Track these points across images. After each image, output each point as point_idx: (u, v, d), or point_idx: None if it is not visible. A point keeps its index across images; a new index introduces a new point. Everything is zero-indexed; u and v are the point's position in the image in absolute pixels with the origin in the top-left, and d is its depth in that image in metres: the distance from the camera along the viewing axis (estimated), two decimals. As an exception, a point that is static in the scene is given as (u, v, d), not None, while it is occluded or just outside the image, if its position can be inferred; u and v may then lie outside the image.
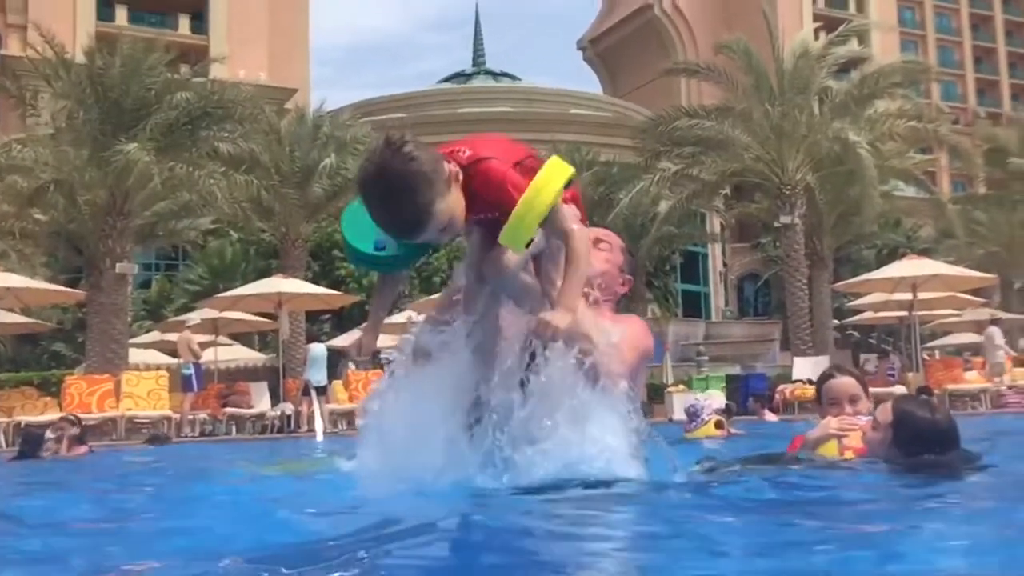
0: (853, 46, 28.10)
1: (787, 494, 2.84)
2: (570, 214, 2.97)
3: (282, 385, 17.68)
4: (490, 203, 2.86)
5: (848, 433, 3.48)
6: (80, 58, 19.42)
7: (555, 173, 2.87)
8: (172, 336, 19.96)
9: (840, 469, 3.32)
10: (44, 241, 21.24)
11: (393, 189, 2.69)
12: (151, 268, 35.87)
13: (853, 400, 3.70)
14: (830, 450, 3.48)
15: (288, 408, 16.54)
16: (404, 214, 2.72)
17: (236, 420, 16.81)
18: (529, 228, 2.81)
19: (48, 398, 15.94)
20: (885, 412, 3.45)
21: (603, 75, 74.23)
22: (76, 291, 19.20)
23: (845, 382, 3.72)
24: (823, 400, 3.74)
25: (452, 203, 2.77)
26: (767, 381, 19.51)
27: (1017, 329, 25.56)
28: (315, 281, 22.80)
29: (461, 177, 2.82)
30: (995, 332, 17.90)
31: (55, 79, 18.43)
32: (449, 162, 2.80)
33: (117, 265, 18.43)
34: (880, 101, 23.66)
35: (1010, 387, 16.57)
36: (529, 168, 2.94)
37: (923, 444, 3.27)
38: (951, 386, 17.12)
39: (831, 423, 3.55)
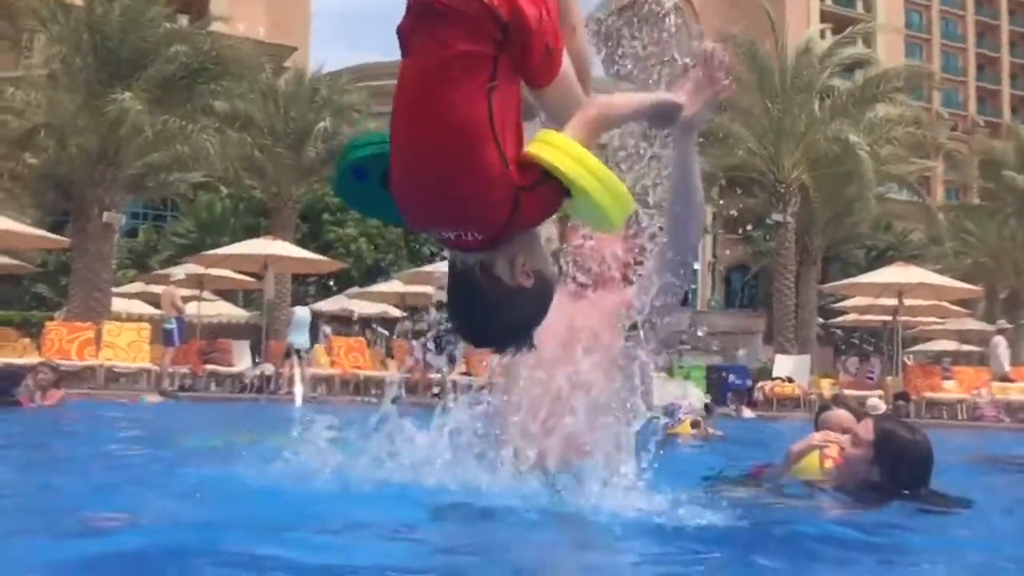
0: (858, 47, 28.02)
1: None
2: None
3: (264, 345, 17.64)
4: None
5: (830, 445, 3.58)
6: (79, 2, 19.14)
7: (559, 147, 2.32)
8: (156, 288, 19.88)
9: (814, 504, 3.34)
10: (33, 184, 21.04)
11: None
12: (139, 217, 35.65)
13: (844, 432, 3.81)
14: (812, 461, 3.57)
15: (269, 369, 16.51)
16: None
17: (216, 377, 16.77)
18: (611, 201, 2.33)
19: (27, 340, 15.87)
20: (867, 429, 3.51)
21: (605, 56, 73.82)
22: (62, 238, 19.06)
23: (840, 415, 3.90)
24: (817, 427, 3.90)
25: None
26: (748, 374, 19.61)
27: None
28: (303, 243, 22.73)
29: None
30: (1000, 341, 18.19)
31: (52, 22, 18.17)
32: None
33: (105, 214, 18.29)
34: (881, 105, 23.65)
35: (989, 401, 16.68)
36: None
37: (904, 464, 3.34)
38: (929, 394, 17.25)
39: (815, 436, 3.67)
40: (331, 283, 25.33)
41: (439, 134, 2.22)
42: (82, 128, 18.03)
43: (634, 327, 3.07)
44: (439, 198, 2.29)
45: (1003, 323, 20.65)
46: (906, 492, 3.32)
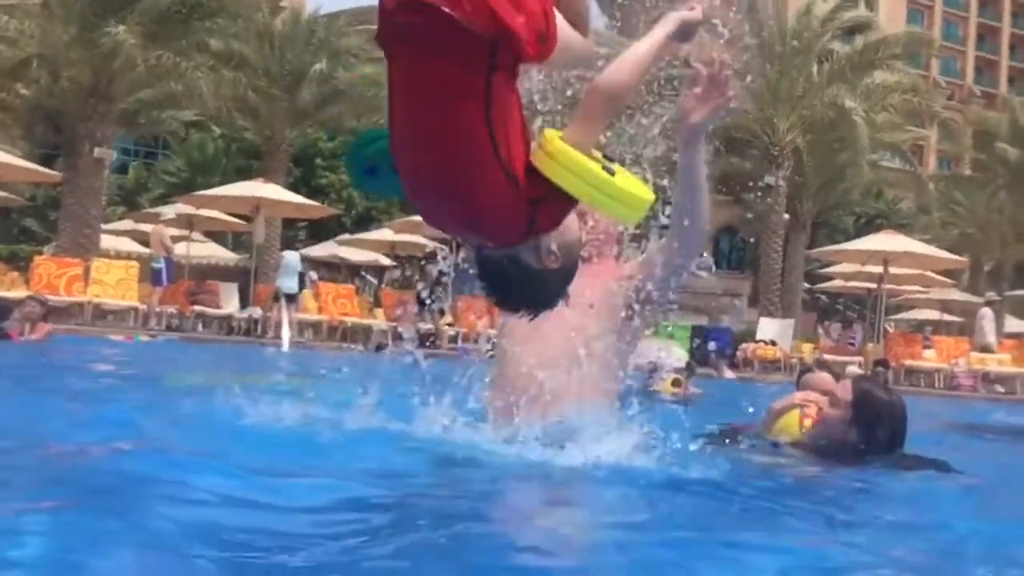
0: (860, 9, 27.86)
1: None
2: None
3: (252, 288, 17.67)
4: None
5: (810, 405, 3.69)
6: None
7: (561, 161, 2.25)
8: (146, 226, 19.83)
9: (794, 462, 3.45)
10: (24, 115, 20.83)
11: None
12: (129, 154, 35.35)
13: (825, 394, 3.92)
14: (792, 420, 3.68)
15: (256, 312, 16.57)
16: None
17: (203, 318, 16.82)
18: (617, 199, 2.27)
19: (15, 273, 15.86)
20: (845, 389, 3.64)
21: (606, 11, 73.03)
22: (52, 172, 18.94)
23: (822, 377, 4.01)
24: (799, 388, 4.02)
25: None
26: (731, 336, 19.80)
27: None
28: (295, 188, 22.64)
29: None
30: (987, 313, 18.46)
31: (46, -49, 17.89)
32: None
33: (96, 150, 18.16)
34: (879, 72, 23.58)
35: (966, 371, 16.95)
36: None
37: (880, 424, 3.48)
38: (908, 362, 17.49)
39: (796, 396, 3.80)
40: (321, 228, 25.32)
41: (442, 164, 2.16)
42: (75, 60, 17.83)
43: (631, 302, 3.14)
44: (450, 217, 2.29)
45: (992, 295, 20.89)
46: (882, 452, 3.45)
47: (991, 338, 18.25)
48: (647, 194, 2.30)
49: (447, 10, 1.99)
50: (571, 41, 2.33)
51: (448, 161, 2.14)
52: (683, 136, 2.91)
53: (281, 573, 1.66)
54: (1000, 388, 17.05)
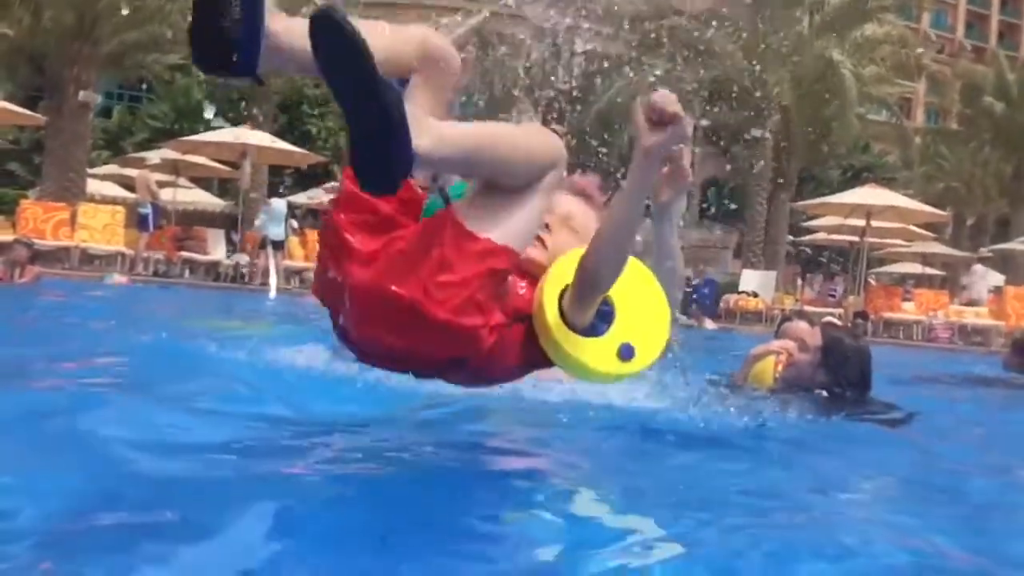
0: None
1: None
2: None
3: (240, 234, 17.69)
4: None
5: (783, 352, 3.88)
6: None
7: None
8: (131, 171, 19.74)
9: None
10: (5, 57, 20.56)
11: None
12: (113, 97, 34.94)
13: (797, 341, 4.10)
14: (768, 366, 3.87)
15: (243, 259, 16.62)
16: None
17: (190, 264, 16.86)
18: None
19: (1, 217, 15.82)
20: (814, 336, 3.85)
21: None
22: (36, 115, 18.77)
23: (800, 326, 4.12)
24: (778, 337, 4.17)
25: None
26: (715, 288, 19.97)
27: (963, 265, 26.29)
28: (281, 135, 22.51)
29: None
30: (979, 269, 18.80)
31: None
32: None
33: (80, 93, 18.00)
34: (869, 24, 23.52)
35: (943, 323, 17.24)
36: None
37: (848, 367, 3.69)
38: (887, 314, 17.75)
39: (773, 344, 3.99)
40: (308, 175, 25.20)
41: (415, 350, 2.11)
42: (57, 0, 17.59)
43: None
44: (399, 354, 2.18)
45: (984, 251, 21.14)
46: (849, 394, 3.64)
47: (983, 294, 18.56)
48: (641, 362, 2.24)
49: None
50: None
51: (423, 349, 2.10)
52: (655, 211, 2.97)
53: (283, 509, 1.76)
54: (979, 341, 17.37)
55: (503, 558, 1.60)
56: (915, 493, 2.47)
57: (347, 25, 1.74)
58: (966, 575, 1.67)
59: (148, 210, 15.79)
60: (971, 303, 18.38)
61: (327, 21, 1.74)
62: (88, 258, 15.47)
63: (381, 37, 1.94)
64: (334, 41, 1.75)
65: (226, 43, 1.88)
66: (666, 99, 2.05)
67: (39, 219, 15.14)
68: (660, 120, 2.05)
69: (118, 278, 13.06)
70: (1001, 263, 24.51)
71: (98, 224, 15.59)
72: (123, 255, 15.66)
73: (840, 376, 3.69)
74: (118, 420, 2.29)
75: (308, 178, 25.95)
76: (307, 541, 1.55)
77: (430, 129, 1.88)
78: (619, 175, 3.31)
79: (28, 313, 6.74)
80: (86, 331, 5.32)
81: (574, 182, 3.13)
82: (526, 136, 2.12)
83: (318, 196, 23.84)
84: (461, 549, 1.60)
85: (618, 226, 2.14)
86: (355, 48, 1.74)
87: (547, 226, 2.42)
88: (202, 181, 24.47)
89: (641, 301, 2.32)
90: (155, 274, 15.60)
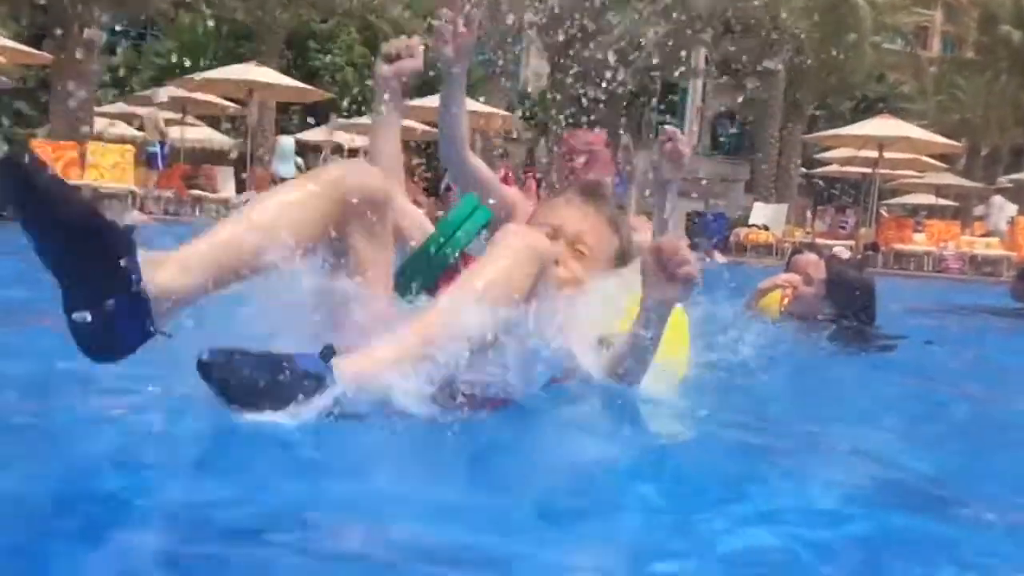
0: None
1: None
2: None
3: (249, 173, 17.68)
4: None
5: (790, 284, 3.94)
6: None
7: None
8: (138, 109, 19.67)
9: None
10: (9, -5, 20.41)
11: None
12: (117, 35, 34.62)
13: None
14: (774, 299, 3.94)
15: (254, 197, 16.62)
16: None
17: (200, 202, 16.90)
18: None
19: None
20: (819, 270, 3.89)
21: None
22: (43, 54, 18.66)
23: (810, 259, 4.16)
24: (788, 268, 4.22)
25: None
26: (727, 221, 19.93)
27: (976, 196, 26.10)
28: (288, 71, 22.33)
29: None
30: (998, 200, 18.66)
31: None
32: None
33: (85, 31, 17.86)
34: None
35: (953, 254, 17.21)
36: None
37: (852, 298, 3.74)
38: (898, 246, 17.71)
39: (781, 277, 4.06)
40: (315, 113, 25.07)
41: None
42: (59, -62, 17.39)
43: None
44: None
45: (1003, 181, 20.94)
46: (854, 325, 3.69)
47: (1002, 225, 18.46)
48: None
49: None
50: None
51: None
52: (655, 188, 2.99)
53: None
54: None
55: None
56: (907, 422, 2.52)
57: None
58: (953, 502, 1.73)
59: (157, 149, 15.80)
60: (989, 234, 18.30)
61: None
62: (99, 197, 15.50)
63: (289, 209, 1.79)
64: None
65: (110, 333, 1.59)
66: (680, 255, 1.92)
67: (49, 158, 15.06)
68: (671, 273, 1.93)
69: (137, 215, 13.11)
70: (1016, 194, 24.32)
71: (107, 163, 15.59)
72: (134, 194, 15.70)
73: (844, 308, 3.74)
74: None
75: (316, 115, 25.79)
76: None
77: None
78: (620, 126, 3.30)
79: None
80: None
81: (579, 140, 3.16)
82: (507, 282, 1.85)
83: (326, 133, 23.77)
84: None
85: (633, 373, 2.07)
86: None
87: (557, 263, 2.18)
88: (210, 119, 24.38)
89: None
90: (165, 213, 15.65)
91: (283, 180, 15.76)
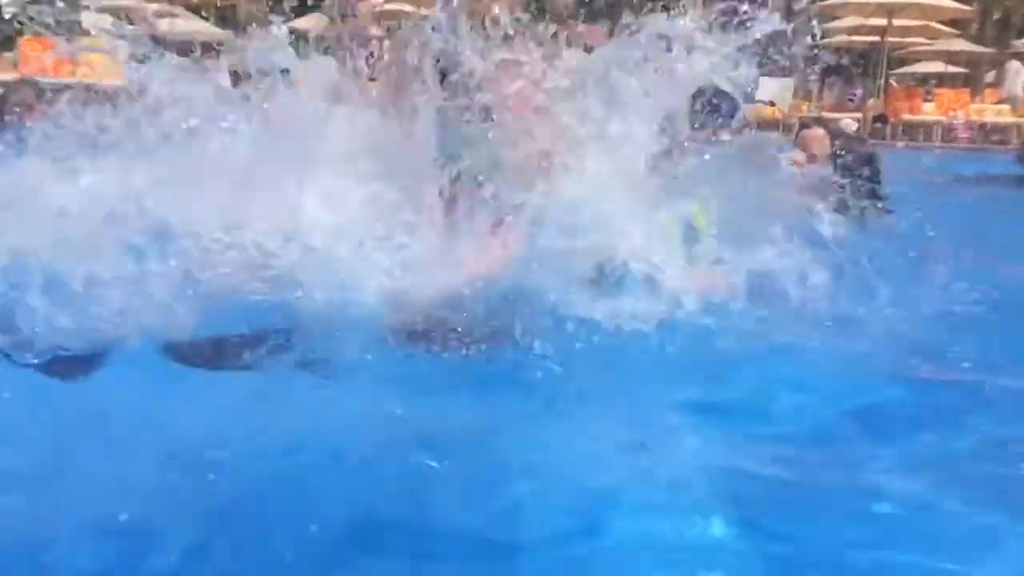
0: None
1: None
2: None
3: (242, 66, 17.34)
4: None
5: (796, 163, 3.99)
6: None
7: None
8: (125, 1, 19.17)
9: None
10: None
11: None
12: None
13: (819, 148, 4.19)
14: None
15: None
16: None
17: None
18: None
19: (6, 54, 15.71)
20: (823, 145, 3.93)
21: None
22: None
23: (816, 133, 4.21)
24: (796, 143, 4.27)
25: None
26: (732, 99, 19.56)
27: (987, 62, 25.50)
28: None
29: None
30: (1014, 65, 18.26)
31: None
32: None
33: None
34: None
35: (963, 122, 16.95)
36: None
37: (856, 161, 3.84)
38: (907, 116, 17.43)
39: (784, 158, 4.09)
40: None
41: None
42: None
43: None
44: None
45: (1018, 44, 20.40)
46: (860, 186, 3.78)
47: (1017, 91, 18.10)
48: None
49: None
50: None
51: None
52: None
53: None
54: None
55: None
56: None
57: None
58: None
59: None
60: (1001, 102, 17.96)
61: None
62: (92, 96, 15.28)
63: None
64: None
65: None
66: None
67: (40, 56, 14.91)
68: None
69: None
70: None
71: (98, 59, 15.28)
72: (127, 91, 15.43)
73: (850, 171, 3.83)
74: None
75: (308, 3, 25.10)
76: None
77: None
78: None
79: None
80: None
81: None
82: None
83: (319, 20, 23.20)
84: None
85: None
86: None
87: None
88: (199, 9, 23.78)
89: None
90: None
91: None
